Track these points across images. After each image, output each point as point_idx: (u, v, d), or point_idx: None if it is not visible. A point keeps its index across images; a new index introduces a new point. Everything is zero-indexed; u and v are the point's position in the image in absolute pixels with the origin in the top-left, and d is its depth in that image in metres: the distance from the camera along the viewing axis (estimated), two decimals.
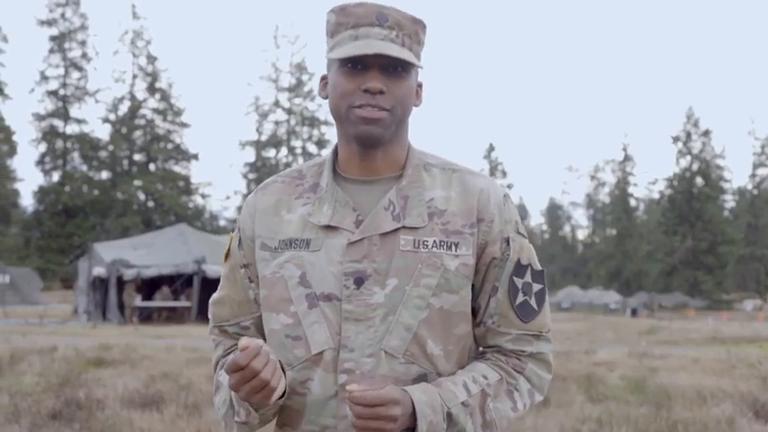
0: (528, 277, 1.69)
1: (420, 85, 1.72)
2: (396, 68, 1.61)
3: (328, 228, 1.64)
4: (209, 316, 1.83)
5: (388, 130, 1.63)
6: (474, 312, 1.69)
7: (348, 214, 1.64)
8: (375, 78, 1.60)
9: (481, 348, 1.74)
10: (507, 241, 1.67)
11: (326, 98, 1.70)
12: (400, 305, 1.60)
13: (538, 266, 1.71)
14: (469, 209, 1.66)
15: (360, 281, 1.60)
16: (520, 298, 1.67)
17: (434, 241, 1.62)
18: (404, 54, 1.59)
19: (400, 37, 1.62)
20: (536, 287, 1.70)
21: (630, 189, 76.69)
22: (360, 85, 1.60)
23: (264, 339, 1.73)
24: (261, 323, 1.74)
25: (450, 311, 1.62)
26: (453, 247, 1.63)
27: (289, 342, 1.64)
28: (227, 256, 1.80)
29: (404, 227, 1.62)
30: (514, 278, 1.67)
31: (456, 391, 1.59)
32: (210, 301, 1.83)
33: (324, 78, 1.72)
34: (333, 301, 1.61)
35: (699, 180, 68.80)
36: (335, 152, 1.74)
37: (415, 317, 1.60)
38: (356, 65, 1.60)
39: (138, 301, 27.27)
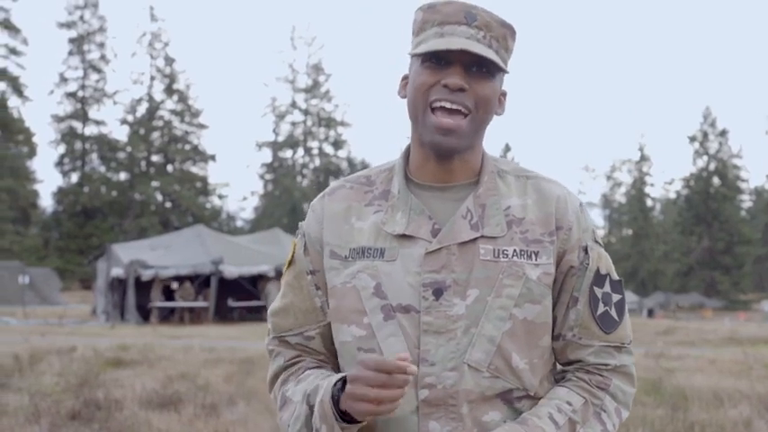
0: (607, 287, 1.63)
1: (504, 94, 1.65)
2: (480, 68, 1.55)
3: (404, 237, 1.58)
4: (269, 326, 1.75)
5: (464, 140, 1.57)
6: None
7: (424, 223, 1.58)
8: (457, 74, 1.53)
9: (560, 367, 1.68)
10: (585, 250, 1.62)
11: (405, 98, 1.64)
12: (482, 317, 1.53)
13: (615, 276, 1.66)
14: (547, 217, 1.61)
15: (439, 292, 1.54)
16: (601, 308, 1.62)
17: (514, 250, 1.57)
18: (488, 53, 1.53)
19: (487, 38, 1.56)
20: (615, 297, 1.64)
21: (647, 189, 76.13)
22: (440, 79, 1.54)
23: (328, 350, 1.70)
24: (327, 333, 1.68)
25: (533, 322, 1.56)
26: (534, 256, 1.57)
27: (362, 355, 1.57)
28: (290, 263, 1.72)
29: (483, 236, 1.57)
30: (594, 288, 1.62)
31: (543, 425, 1.51)
32: (270, 311, 1.75)
33: (405, 78, 1.66)
34: (411, 312, 1.54)
35: (716, 180, 68.28)
36: (406, 156, 1.68)
37: (498, 328, 1.53)
38: (439, 61, 1.55)
39: (161, 301, 27.32)
